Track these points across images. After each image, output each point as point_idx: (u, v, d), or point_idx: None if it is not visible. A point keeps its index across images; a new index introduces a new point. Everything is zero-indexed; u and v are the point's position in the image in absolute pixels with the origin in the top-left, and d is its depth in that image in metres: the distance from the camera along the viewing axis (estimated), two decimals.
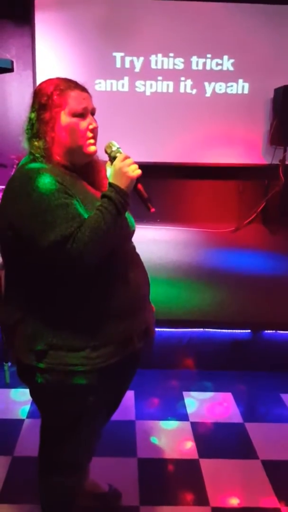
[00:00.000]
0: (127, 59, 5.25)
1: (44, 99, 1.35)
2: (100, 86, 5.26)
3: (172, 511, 1.92)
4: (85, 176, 1.43)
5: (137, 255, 1.55)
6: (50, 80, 1.40)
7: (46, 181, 1.28)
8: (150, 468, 2.14)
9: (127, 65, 5.27)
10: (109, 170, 1.39)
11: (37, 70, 5.17)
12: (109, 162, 1.43)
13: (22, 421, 2.42)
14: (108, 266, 1.35)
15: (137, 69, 5.28)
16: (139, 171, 1.37)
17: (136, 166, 1.38)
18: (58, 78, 1.40)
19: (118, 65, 5.26)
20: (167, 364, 2.92)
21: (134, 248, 1.55)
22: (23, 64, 5.32)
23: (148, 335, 1.55)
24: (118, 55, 5.23)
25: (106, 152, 1.44)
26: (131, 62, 5.26)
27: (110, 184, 1.35)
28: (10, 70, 4.23)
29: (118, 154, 1.40)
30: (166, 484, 2.06)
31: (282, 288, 3.54)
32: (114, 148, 1.43)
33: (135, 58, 5.25)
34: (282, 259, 4.25)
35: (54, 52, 5.15)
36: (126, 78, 5.29)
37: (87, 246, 1.24)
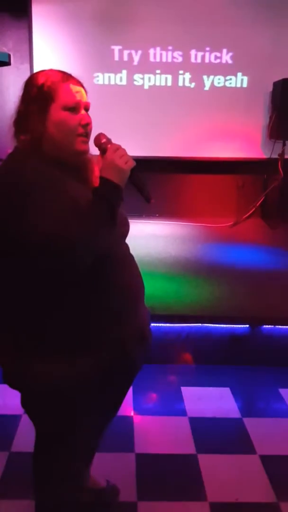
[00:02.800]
0: (125, 52, 5.20)
1: (34, 91, 1.27)
2: (98, 79, 5.22)
3: (170, 507, 1.92)
4: (76, 174, 1.33)
5: (130, 257, 1.46)
6: (42, 71, 1.31)
7: (31, 176, 1.20)
8: (148, 463, 2.14)
9: (125, 58, 5.22)
10: (101, 164, 1.30)
11: (34, 64, 5.13)
12: (100, 156, 1.34)
13: (19, 416, 2.41)
14: (97, 269, 1.26)
15: (135, 62, 5.23)
16: (132, 162, 1.29)
17: (129, 157, 1.29)
18: (51, 70, 1.32)
19: (116, 58, 5.21)
20: (165, 359, 2.91)
21: (127, 249, 1.45)
22: (21, 57, 5.28)
23: (143, 342, 1.46)
24: (116, 48, 5.18)
25: (95, 145, 1.34)
26: (130, 55, 5.21)
27: (102, 179, 1.25)
28: (7, 63, 4.20)
29: (108, 146, 1.31)
30: (164, 479, 2.05)
31: (281, 283, 3.53)
32: (104, 140, 1.33)
33: (133, 51, 5.20)
34: (280, 253, 4.24)
35: (51, 45, 5.11)
36: (124, 72, 5.25)
37: (76, 246, 1.16)
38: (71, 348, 1.30)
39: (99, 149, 1.35)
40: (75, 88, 1.30)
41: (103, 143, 1.33)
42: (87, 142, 1.33)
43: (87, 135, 1.32)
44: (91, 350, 1.31)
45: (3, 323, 1.34)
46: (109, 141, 1.34)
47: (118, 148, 1.30)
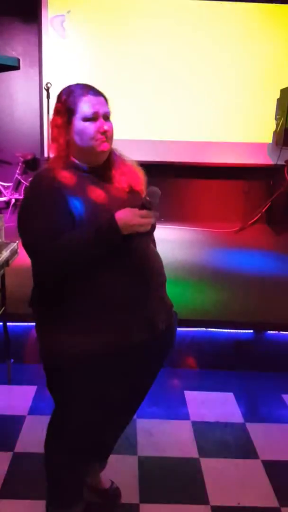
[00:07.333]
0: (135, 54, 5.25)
1: (59, 105, 1.45)
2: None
3: (172, 510, 1.92)
4: (102, 173, 1.49)
5: (145, 251, 1.55)
6: (67, 87, 1.48)
7: (39, 187, 1.41)
8: (151, 466, 2.15)
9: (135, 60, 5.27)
10: (125, 210, 1.34)
11: (43, 68, 5.18)
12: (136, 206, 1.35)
13: (23, 417, 2.42)
14: (107, 265, 1.40)
15: (143, 63, 5.28)
16: (146, 228, 1.35)
17: (148, 222, 1.34)
18: (75, 85, 1.47)
19: (126, 59, 5.25)
20: (169, 363, 2.92)
21: (146, 243, 1.56)
22: (30, 62, 5.33)
23: (152, 330, 1.53)
24: (125, 49, 5.22)
25: (142, 195, 1.38)
26: (138, 55, 5.26)
27: (113, 220, 1.32)
28: (17, 68, 4.23)
29: (144, 209, 1.33)
30: (166, 483, 2.06)
31: (286, 289, 3.54)
32: (148, 200, 1.34)
33: (142, 52, 5.26)
34: (286, 259, 4.25)
35: (61, 50, 5.16)
36: (132, 75, 5.29)
37: (48, 264, 1.38)
38: (86, 327, 1.45)
39: (144, 199, 1.35)
40: (94, 99, 1.44)
41: (146, 202, 1.34)
42: (106, 142, 1.45)
43: (106, 139, 1.45)
44: (99, 331, 1.45)
45: (32, 301, 1.55)
46: (150, 204, 1.34)
47: (147, 214, 1.34)
